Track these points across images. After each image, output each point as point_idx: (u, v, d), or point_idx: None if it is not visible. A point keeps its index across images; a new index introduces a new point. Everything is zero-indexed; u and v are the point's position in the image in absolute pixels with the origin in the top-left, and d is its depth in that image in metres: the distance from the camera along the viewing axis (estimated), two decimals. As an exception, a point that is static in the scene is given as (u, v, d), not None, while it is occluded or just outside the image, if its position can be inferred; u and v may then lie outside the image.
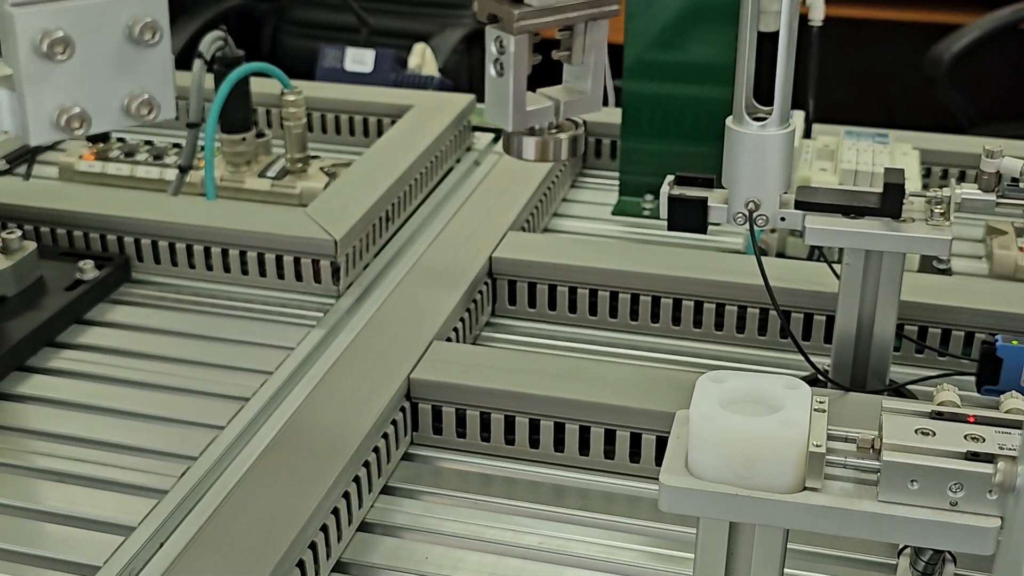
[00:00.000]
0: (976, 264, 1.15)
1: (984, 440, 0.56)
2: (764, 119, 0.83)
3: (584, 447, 0.86)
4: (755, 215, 0.85)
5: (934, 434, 0.57)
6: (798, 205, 0.86)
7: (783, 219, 0.86)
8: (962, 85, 2.55)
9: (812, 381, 0.93)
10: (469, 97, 1.40)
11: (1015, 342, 0.91)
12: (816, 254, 1.08)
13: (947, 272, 1.11)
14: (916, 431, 0.57)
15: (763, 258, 1.07)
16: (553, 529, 0.81)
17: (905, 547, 0.73)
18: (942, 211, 0.84)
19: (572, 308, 1.04)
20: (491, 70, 0.74)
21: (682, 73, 1.21)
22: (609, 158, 1.35)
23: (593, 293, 1.03)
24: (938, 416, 0.58)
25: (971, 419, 0.58)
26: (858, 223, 0.84)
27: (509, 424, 0.87)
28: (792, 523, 0.57)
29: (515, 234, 1.09)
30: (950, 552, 0.68)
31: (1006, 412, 0.59)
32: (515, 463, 0.87)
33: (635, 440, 0.85)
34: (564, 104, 0.79)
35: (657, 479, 0.81)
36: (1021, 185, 0.84)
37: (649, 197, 1.25)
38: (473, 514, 0.82)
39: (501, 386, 0.86)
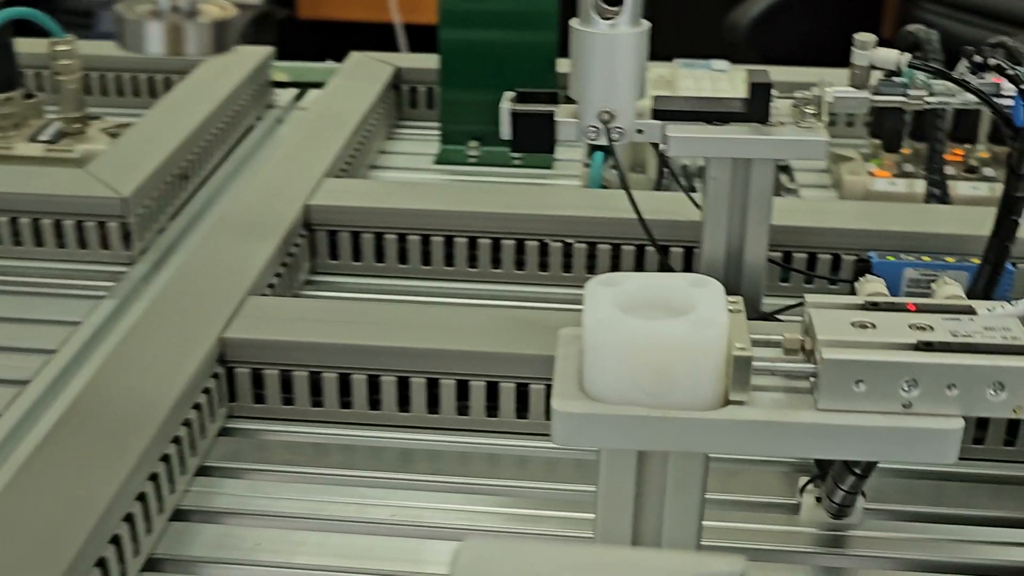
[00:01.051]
0: (824, 193, 1.08)
1: (933, 329, 0.47)
2: (612, 19, 0.73)
3: (433, 404, 0.75)
4: (611, 127, 0.75)
5: (874, 326, 0.47)
6: (656, 114, 0.76)
7: (640, 131, 0.76)
8: (761, 49, 2.54)
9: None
10: (267, 50, 1.26)
11: (890, 257, 0.84)
12: (663, 184, 0.99)
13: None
14: (853, 324, 0.48)
15: (591, 191, 0.98)
16: (404, 498, 0.69)
17: (808, 483, 0.65)
18: (814, 112, 0.75)
19: (402, 258, 0.92)
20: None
21: (500, 19, 1.11)
22: (426, 107, 1.24)
23: (425, 240, 0.92)
24: (873, 307, 0.49)
25: (912, 307, 0.49)
26: (724, 129, 0.75)
27: (344, 384, 0.74)
28: (716, 446, 0.46)
29: (332, 180, 0.96)
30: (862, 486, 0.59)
31: (945, 299, 0.51)
32: (354, 429, 0.75)
33: (491, 391, 0.74)
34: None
35: (518, 434, 0.71)
36: (896, 79, 0.76)
37: (474, 143, 1.14)
38: (310, 489, 0.70)
39: (332, 339, 0.74)
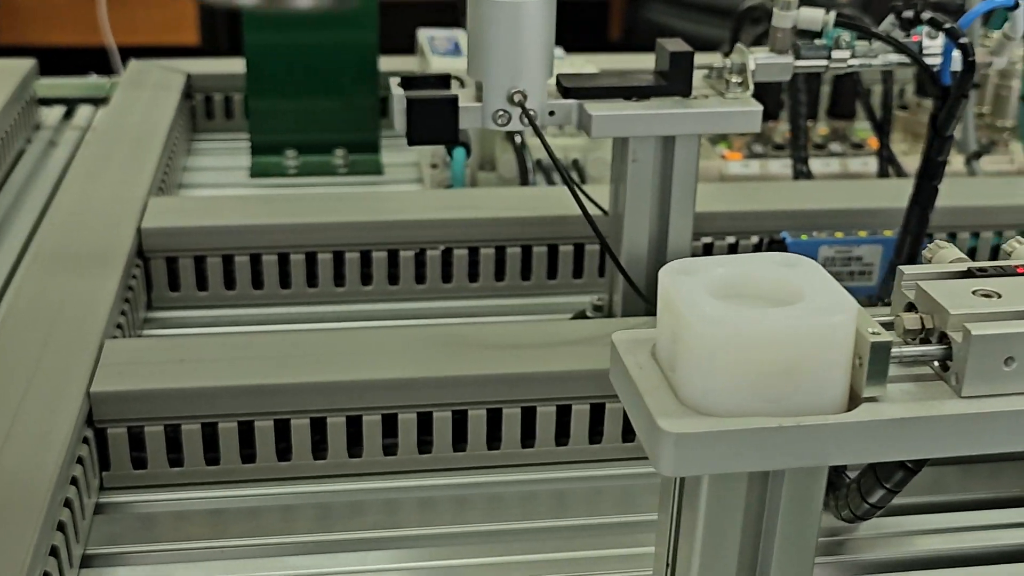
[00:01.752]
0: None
1: (1062, 293, 0.41)
2: (517, -13, 0.64)
3: (355, 444, 0.63)
4: (527, 108, 0.66)
5: (999, 295, 0.40)
6: (568, 93, 0.68)
7: (552, 113, 0.67)
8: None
9: (582, 316, 0.76)
10: (28, 63, 1.09)
11: (804, 236, 0.79)
12: (525, 177, 0.91)
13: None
14: (976, 294, 0.40)
15: (464, 190, 0.89)
16: (325, 563, 0.58)
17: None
18: (740, 81, 0.69)
19: (257, 282, 0.80)
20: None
21: (312, 19, 0.99)
22: (224, 117, 1.10)
23: (284, 258, 0.79)
24: (980, 273, 0.42)
25: (1021, 270, 0.42)
26: (648, 105, 0.67)
27: (245, 434, 0.62)
28: (855, 454, 0.38)
29: (162, 200, 0.82)
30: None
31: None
32: (261, 487, 0.63)
33: (424, 423, 0.63)
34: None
35: (455, 470, 0.61)
36: (818, 42, 0.71)
37: (292, 153, 1.02)
38: (211, 568, 0.57)
39: (231, 381, 0.61)
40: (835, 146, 1.03)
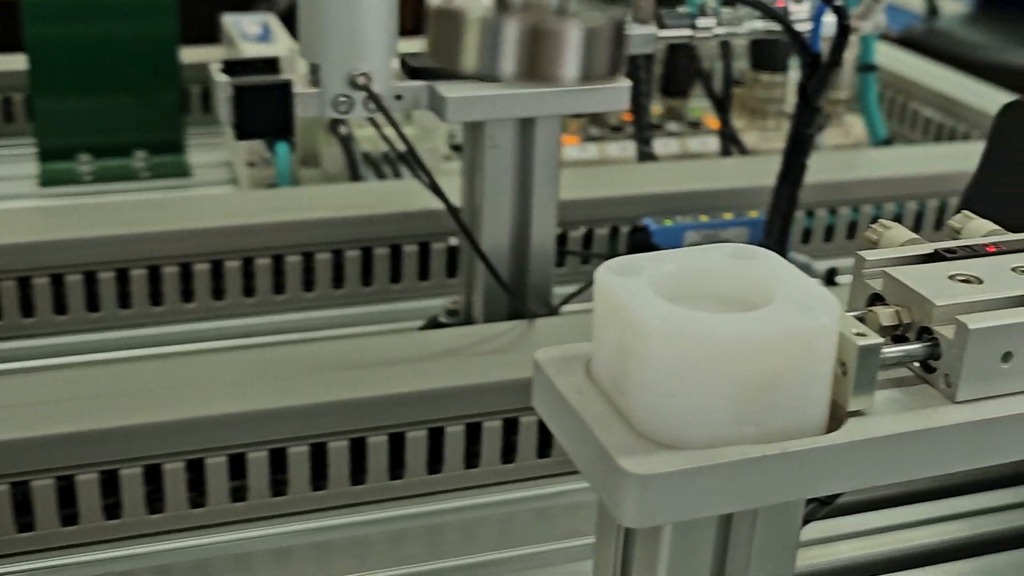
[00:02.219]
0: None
1: (1044, 271, 0.36)
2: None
3: (196, 489, 0.54)
4: (373, 92, 0.58)
5: (980, 280, 0.35)
6: (416, 73, 0.60)
7: (399, 97, 0.60)
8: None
9: (437, 325, 0.69)
10: None
11: (668, 221, 0.73)
12: (355, 172, 0.83)
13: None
14: (953, 279, 0.35)
15: (292, 189, 0.80)
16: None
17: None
18: (603, 54, 0.62)
19: (60, 307, 0.69)
20: None
21: (102, 10, 0.88)
22: (3, 120, 0.97)
23: (90, 277, 0.69)
24: (950, 255, 0.36)
25: (991, 249, 0.37)
26: (505, 85, 0.60)
27: (65, 490, 0.52)
28: (848, 479, 0.32)
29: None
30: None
31: (986, 236, 0.39)
32: (86, 552, 0.53)
33: (276, 460, 0.54)
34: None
35: (316, 511, 0.53)
36: (681, 9, 0.65)
37: (86, 157, 0.91)
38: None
39: (45, 430, 0.51)
40: (672, 126, 0.98)
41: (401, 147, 0.77)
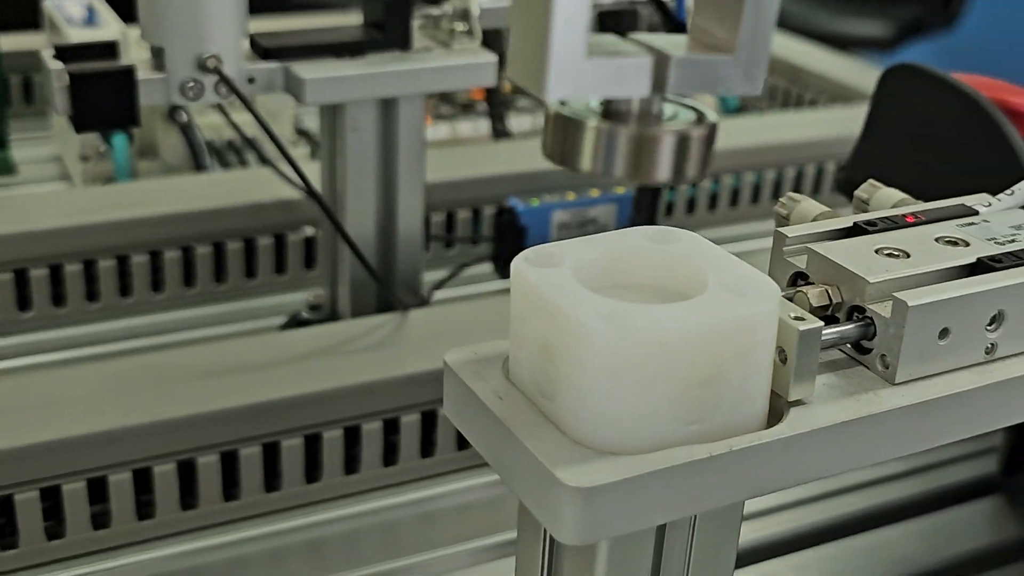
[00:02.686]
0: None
1: (968, 243, 0.34)
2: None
3: (53, 517, 0.49)
4: (224, 75, 0.53)
5: (907, 253, 0.33)
6: (269, 54, 0.56)
7: (252, 80, 0.56)
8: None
9: (300, 322, 0.65)
10: None
11: (535, 201, 0.71)
12: (199, 161, 0.77)
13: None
14: (879, 253, 0.33)
15: (133, 184, 0.75)
16: None
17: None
18: (466, 29, 0.59)
19: None
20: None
21: None
22: None
23: (-89, 290, 0.63)
24: (871, 227, 0.35)
25: (911, 219, 0.35)
26: (365, 63, 0.57)
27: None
28: (798, 474, 0.30)
29: None
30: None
31: (895, 206, 0.38)
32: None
33: (141, 480, 0.50)
34: (678, 64, 0.30)
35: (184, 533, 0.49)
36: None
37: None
38: None
39: None
40: (523, 101, 0.96)
41: (251, 133, 0.73)
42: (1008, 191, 0.37)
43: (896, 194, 0.38)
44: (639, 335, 0.27)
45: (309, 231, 0.71)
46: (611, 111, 0.31)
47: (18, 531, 0.48)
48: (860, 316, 0.32)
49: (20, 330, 0.65)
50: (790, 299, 0.32)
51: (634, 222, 0.71)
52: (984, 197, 0.37)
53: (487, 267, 0.71)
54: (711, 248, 0.31)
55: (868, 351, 0.32)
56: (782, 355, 0.30)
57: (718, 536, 0.31)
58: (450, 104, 0.92)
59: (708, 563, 0.31)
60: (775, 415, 0.30)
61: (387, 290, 0.60)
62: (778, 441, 0.29)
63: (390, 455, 0.55)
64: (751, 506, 0.54)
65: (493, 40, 0.64)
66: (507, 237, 0.69)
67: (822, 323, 0.29)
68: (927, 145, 0.47)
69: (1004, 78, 0.51)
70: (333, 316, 0.64)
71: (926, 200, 0.37)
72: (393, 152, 0.59)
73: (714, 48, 0.30)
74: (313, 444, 0.53)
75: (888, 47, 3.12)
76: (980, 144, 0.44)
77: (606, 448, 0.28)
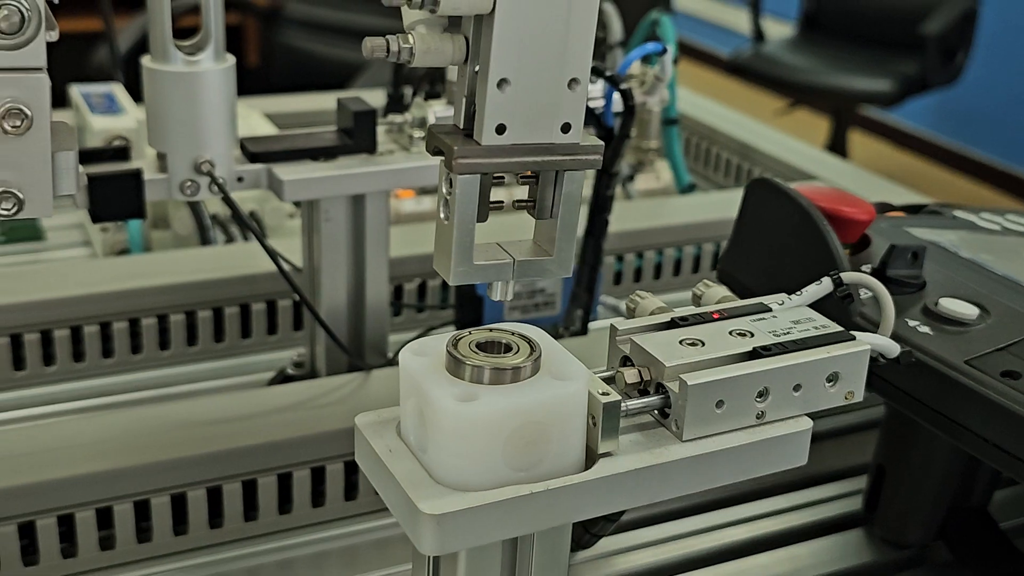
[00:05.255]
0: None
1: (753, 334, 0.45)
2: (194, 54, 0.64)
3: (31, 553, 0.60)
4: (216, 177, 0.65)
5: (703, 343, 0.45)
6: (256, 157, 0.68)
7: (241, 179, 0.67)
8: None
9: (285, 378, 0.76)
10: None
11: (489, 275, 0.82)
12: (204, 236, 0.90)
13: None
14: (682, 343, 0.44)
15: (146, 256, 0.87)
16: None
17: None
18: (423, 136, 0.71)
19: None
20: (440, 212, 0.47)
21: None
22: None
23: (-43, 348, 0.75)
24: (683, 322, 0.46)
25: (716, 316, 0.47)
26: (336, 165, 0.68)
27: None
28: (597, 507, 0.41)
29: None
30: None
31: (719, 302, 0.49)
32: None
33: (66, 528, 0.60)
34: (519, 264, 0.48)
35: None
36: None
37: (-57, 226, 0.96)
38: None
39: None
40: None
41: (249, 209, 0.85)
42: (798, 292, 0.48)
43: (722, 291, 0.49)
44: (479, 412, 0.38)
45: (296, 298, 0.82)
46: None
47: (39, 551, 0.59)
48: (662, 391, 0.43)
49: (45, 382, 0.77)
50: (611, 379, 0.43)
51: (575, 294, 0.82)
52: (780, 296, 0.48)
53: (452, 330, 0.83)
54: (549, 341, 0.42)
55: (667, 416, 0.43)
56: (593, 420, 0.41)
57: (553, 550, 0.42)
58: (431, 179, 1.04)
59: (547, 571, 0.43)
60: (591, 462, 0.41)
61: (349, 354, 0.71)
62: (585, 483, 0.40)
63: (351, 492, 0.66)
64: (651, 534, 0.65)
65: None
66: (466, 304, 0.81)
67: (619, 397, 0.41)
68: (774, 248, 0.58)
69: (1002, 129, 0.61)
70: (313, 373, 0.76)
71: (767, 294, 0.48)
72: (361, 237, 0.71)
73: (544, 252, 0.48)
74: (285, 482, 0.64)
75: (891, 103, 3.24)
76: (809, 248, 0.55)
77: (458, 487, 0.39)
